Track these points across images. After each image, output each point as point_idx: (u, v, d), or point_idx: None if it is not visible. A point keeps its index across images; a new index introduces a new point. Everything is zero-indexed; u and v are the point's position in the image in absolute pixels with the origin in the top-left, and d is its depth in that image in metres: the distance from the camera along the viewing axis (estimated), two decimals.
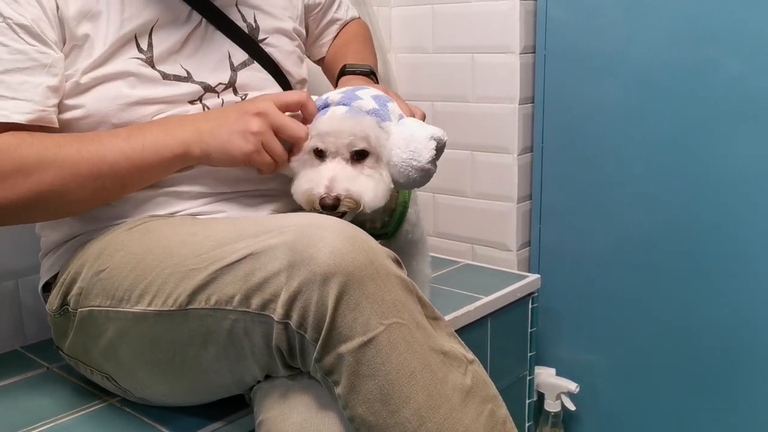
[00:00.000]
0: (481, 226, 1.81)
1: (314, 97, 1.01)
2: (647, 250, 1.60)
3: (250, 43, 1.11)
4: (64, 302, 1.00)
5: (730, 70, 1.44)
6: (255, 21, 1.12)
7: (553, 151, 1.71)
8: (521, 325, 1.59)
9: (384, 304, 0.77)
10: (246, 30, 1.11)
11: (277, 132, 0.97)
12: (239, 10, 1.11)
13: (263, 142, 0.96)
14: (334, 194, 0.93)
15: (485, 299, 1.46)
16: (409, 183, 0.97)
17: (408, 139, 0.94)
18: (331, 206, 0.93)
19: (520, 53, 1.68)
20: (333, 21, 1.37)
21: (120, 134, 0.96)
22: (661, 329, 1.61)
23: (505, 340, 1.54)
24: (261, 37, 1.13)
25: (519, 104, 1.70)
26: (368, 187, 0.95)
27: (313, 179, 0.95)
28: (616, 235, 1.64)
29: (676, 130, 1.53)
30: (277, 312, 0.77)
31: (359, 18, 1.45)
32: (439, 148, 0.96)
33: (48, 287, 1.08)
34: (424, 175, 0.95)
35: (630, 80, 1.57)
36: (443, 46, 1.80)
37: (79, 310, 0.97)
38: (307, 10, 1.29)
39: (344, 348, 0.75)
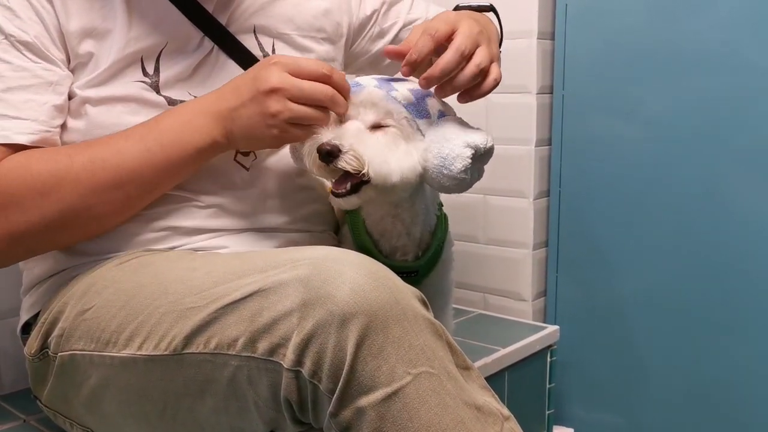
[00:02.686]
0: (493, 275, 1.72)
1: None
2: (673, 300, 1.52)
3: None
4: (44, 345, 0.92)
5: (755, 112, 1.38)
6: (273, 51, 1.04)
7: (570, 195, 1.64)
8: (539, 380, 1.50)
9: (411, 351, 0.67)
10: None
11: (301, 102, 0.85)
12: (257, 38, 1.03)
13: (287, 119, 0.85)
14: (336, 143, 0.83)
15: (503, 351, 1.36)
16: (443, 189, 0.89)
17: (441, 144, 0.85)
18: (327, 153, 0.83)
19: (537, 93, 1.62)
20: (408, 24, 1.19)
21: (132, 136, 0.88)
22: (689, 387, 1.51)
23: (522, 396, 1.43)
24: None
25: (535, 146, 1.63)
26: (379, 151, 0.85)
27: (320, 137, 0.86)
28: (639, 285, 1.56)
29: (700, 176, 1.46)
30: (288, 358, 0.68)
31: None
32: (480, 156, 0.87)
33: (28, 328, 0.99)
34: (458, 183, 0.87)
35: (652, 124, 1.51)
36: None
37: (59, 354, 0.88)
38: (360, 28, 1.16)
39: (365, 401, 0.66)
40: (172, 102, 0.95)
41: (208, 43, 0.98)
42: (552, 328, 1.50)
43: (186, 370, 0.75)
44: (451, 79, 0.87)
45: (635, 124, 1.53)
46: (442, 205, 1.06)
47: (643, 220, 1.54)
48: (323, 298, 0.67)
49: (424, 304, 0.73)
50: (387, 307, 0.67)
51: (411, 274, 1.01)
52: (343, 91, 0.87)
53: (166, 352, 0.76)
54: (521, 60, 1.61)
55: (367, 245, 0.99)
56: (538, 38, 1.60)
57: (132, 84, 0.93)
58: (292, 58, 0.89)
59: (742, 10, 1.38)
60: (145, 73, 0.94)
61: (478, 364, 1.30)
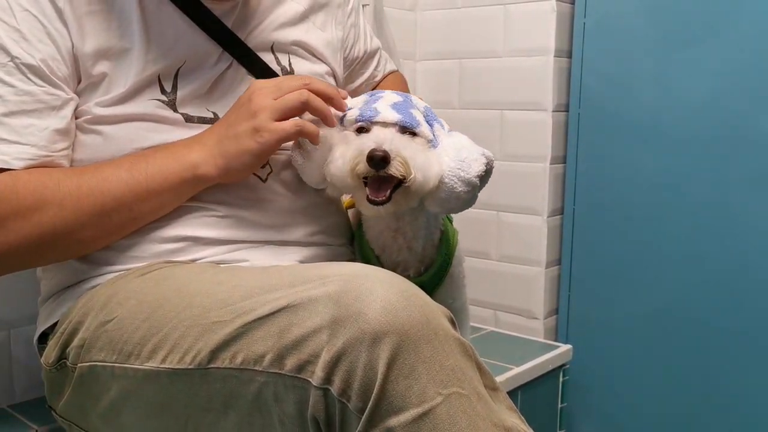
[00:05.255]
0: (505, 292, 1.71)
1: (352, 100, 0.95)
2: (687, 319, 1.51)
3: None
4: (62, 355, 0.90)
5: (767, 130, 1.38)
6: (290, 65, 1.04)
7: (584, 213, 1.64)
8: (551, 400, 1.49)
9: (442, 371, 0.66)
10: (280, 73, 1.02)
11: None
12: (274, 54, 1.03)
13: (270, 113, 0.88)
14: (386, 147, 0.82)
15: (516, 370, 1.36)
16: (451, 198, 0.88)
17: (459, 149, 0.88)
18: (381, 159, 0.81)
19: (553, 111, 1.61)
20: (371, 78, 1.27)
21: (122, 164, 0.88)
22: (705, 407, 1.50)
23: (533, 416, 1.41)
24: None
25: (550, 163, 1.63)
26: (423, 157, 0.86)
27: (362, 143, 0.85)
28: (652, 304, 1.55)
29: (713, 195, 1.46)
30: (316, 375, 0.67)
31: (397, 71, 1.34)
32: (488, 171, 0.90)
33: (45, 338, 0.97)
34: (469, 191, 0.87)
35: (666, 143, 1.51)
36: (470, 101, 1.73)
37: (79, 364, 0.86)
38: (345, 64, 1.19)
39: (395, 421, 0.65)
40: (189, 119, 0.94)
41: (227, 59, 0.98)
42: (565, 347, 1.49)
43: (211, 385, 0.74)
44: None
45: (650, 143, 1.53)
46: (452, 220, 1.05)
47: (657, 239, 1.54)
48: (354, 315, 0.66)
49: (452, 323, 0.72)
50: (418, 326, 0.66)
51: None
52: (324, 95, 0.90)
53: (190, 366, 0.75)
54: (537, 77, 1.61)
55: (370, 259, 0.98)
56: (554, 56, 1.60)
57: (148, 102, 0.92)
58: (272, 81, 0.91)
59: (757, 31, 1.38)
60: (162, 90, 0.93)
61: None
